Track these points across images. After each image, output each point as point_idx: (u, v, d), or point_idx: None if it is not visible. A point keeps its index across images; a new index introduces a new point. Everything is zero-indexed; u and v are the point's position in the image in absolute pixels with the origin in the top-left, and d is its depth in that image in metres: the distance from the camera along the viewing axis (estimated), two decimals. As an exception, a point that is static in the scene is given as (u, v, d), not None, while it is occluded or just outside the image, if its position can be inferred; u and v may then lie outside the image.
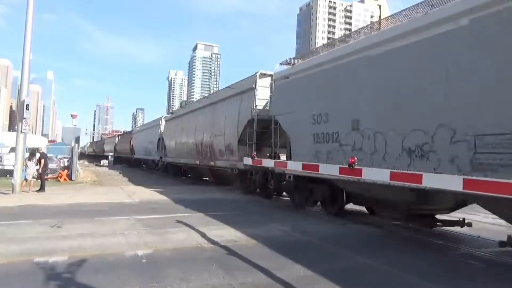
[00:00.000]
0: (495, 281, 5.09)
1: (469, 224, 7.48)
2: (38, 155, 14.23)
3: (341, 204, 9.62)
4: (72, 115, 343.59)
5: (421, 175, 6.29)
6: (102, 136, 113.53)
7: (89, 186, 16.77)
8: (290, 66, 11.11)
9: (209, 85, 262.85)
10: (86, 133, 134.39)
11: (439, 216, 7.85)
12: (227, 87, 16.15)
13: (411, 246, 6.98)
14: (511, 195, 4.91)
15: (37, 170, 13.99)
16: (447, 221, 7.74)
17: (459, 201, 6.96)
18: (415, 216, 7.75)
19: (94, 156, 68.28)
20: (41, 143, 26.41)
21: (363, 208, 10.42)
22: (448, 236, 7.91)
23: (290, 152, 10.69)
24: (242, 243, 6.47)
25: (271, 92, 12.67)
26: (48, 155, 17.15)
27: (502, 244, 5.96)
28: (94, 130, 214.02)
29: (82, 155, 79.78)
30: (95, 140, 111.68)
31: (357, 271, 5.20)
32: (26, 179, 13.45)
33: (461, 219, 7.54)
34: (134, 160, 38.82)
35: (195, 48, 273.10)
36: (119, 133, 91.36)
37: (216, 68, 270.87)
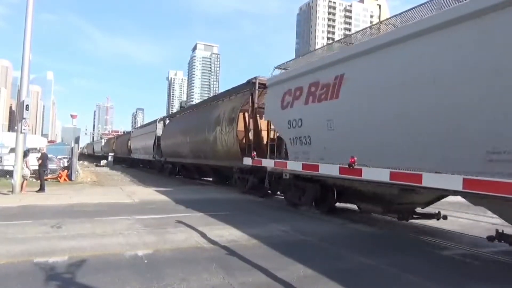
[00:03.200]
0: (496, 281, 5.09)
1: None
2: (38, 154, 14.27)
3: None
4: (71, 115, 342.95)
5: (421, 175, 6.29)
6: (102, 136, 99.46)
7: (89, 187, 16.76)
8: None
9: (209, 85, 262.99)
10: (86, 134, 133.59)
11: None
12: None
13: (412, 246, 6.98)
14: (510, 195, 4.91)
15: (34, 169, 13.98)
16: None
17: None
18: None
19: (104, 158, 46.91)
20: (41, 143, 26.40)
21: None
22: (448, 235, 7.91)
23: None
24: (242, 243, 6.47)
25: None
26: (48, 155, 17.14)
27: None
28: (94, 130, 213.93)
29: (89, 157, 64.04)
30: (94, 139, 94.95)
31: (358, 270, 5.20)
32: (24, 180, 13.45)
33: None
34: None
35: (194, 48, 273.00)
36: (118, 133, 77.13)
37: (215, 68, 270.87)
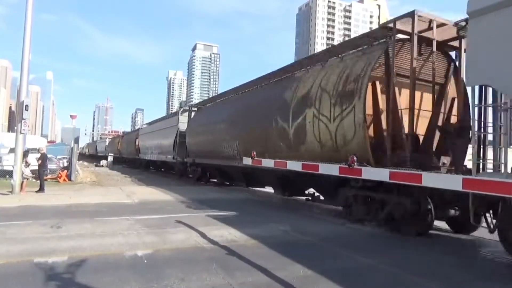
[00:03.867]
0: (497, 280, 5.09)
1: None
2: (38, 155, 14.28)
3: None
4: (71, 116, 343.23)
5: (421, 175, 6.31)
6: (102, 136, 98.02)
7: (88, 187, 16.75)
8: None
9: (209, 85, 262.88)
10: (85, 134, 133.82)
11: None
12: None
13: (411, 246, 6.97)
14: (510, 195, 4.92)
15: (31, 170, 13.99)
16: None
17: None
18: None
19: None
20: (41, 144, 26.39)
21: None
22: (448, 236, 7.91)
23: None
24: (242, 243, 6.47)
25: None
26: (48, 155, 17.14)
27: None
28: (93, 130, 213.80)
29: (90, 158, 58.68)
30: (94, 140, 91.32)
31: (357, 271, 5.20)
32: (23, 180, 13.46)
33: None
34: None
35: (194, 48, 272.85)
36: (118, 133, 72.09)
37: (215, 68, 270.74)
